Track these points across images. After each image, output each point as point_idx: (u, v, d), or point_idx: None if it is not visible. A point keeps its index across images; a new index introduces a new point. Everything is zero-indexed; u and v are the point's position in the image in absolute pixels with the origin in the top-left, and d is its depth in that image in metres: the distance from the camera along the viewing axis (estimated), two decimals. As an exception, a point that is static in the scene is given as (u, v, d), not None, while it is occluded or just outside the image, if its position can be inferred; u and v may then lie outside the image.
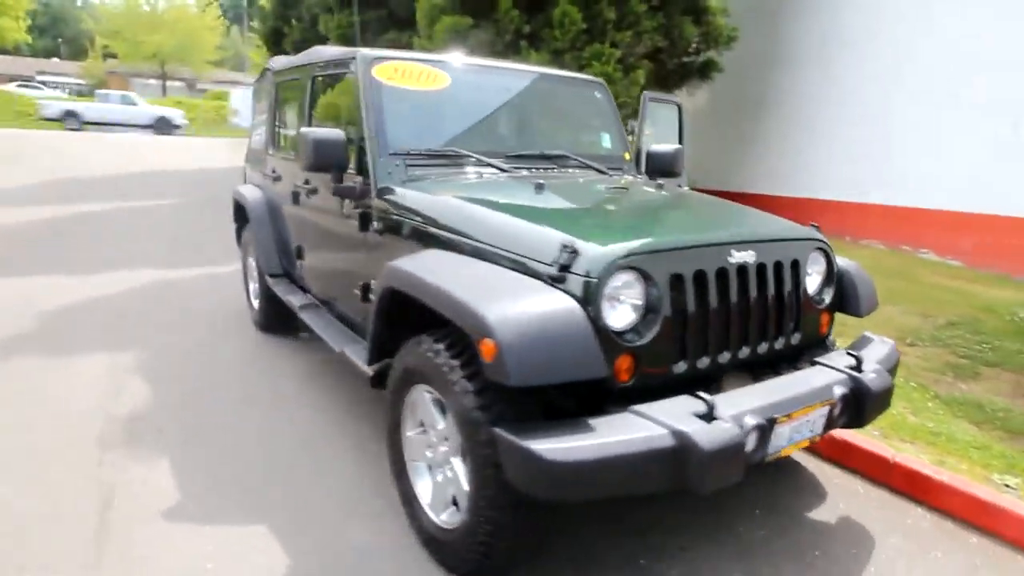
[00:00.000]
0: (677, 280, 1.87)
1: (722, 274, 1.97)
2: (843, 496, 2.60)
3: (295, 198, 3.43)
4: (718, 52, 8.04)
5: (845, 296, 2.41)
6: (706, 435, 1.62)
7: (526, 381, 1.59)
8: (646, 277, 1.82)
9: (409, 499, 2.23)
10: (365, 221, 2.63)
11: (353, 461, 2.73)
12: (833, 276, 2.36)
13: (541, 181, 2.44)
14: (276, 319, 4.22)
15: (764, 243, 2.11)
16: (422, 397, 2.09)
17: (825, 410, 1.98)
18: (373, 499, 2.44)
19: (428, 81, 2.83)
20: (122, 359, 3.77)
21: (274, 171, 3.87)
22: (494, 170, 2.73)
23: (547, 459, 1.53)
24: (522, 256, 1.89)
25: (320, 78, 3.21)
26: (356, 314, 2.86)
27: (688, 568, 2.12)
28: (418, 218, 2.32)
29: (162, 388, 3.39)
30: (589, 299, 1.73)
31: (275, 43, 13.48)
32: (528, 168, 2.82)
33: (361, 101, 2.70)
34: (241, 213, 4.50)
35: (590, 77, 3.47)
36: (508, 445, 1.60)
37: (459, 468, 1.95)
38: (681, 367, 1.91)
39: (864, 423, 2.12)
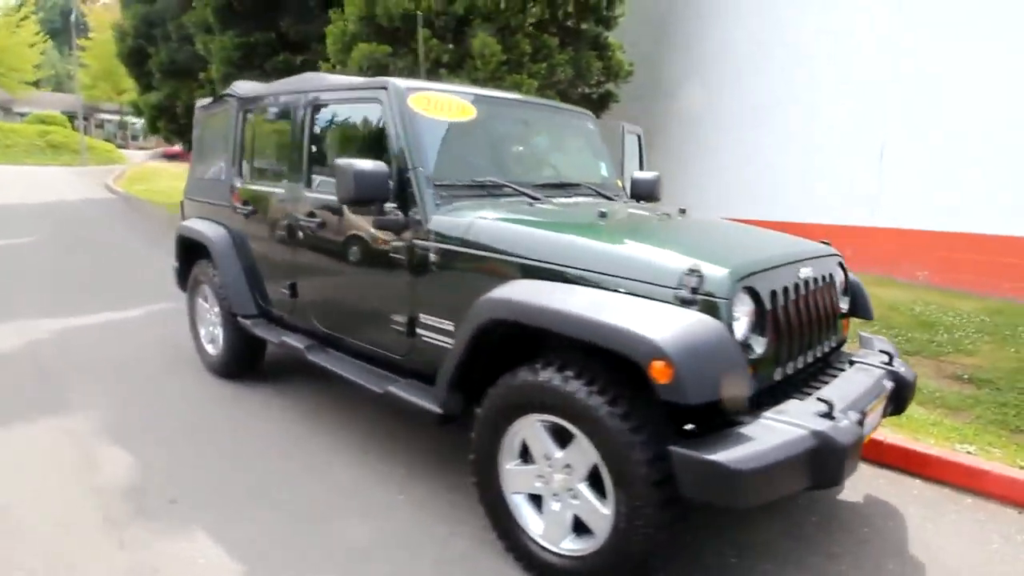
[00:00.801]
0: (772, 295, 2.07)
1: (797, 288, 2.20)
2: (857, 478, 2.95)
3: (290, 232, 3.22)
4: (616, 85, 8.67)
5: (855, 303, 2.76)
6: (840, 432, 1.81)
7: (701, 398, 1.69)
8: (753, 294, 2.00)
9: (509, 532, 2.20)
10: (414, 254, 2.57)
11: (405, 511, 2.62)
12: (848, 286, 2.70)
13: (603, 209, 2.55)
14: (240, 363, 3.90)
15: (815, 259, 2.39)
16: (533, 428, 2.09)
17: (884, 402, 2.27)
18: (451, 542, 2.37)
19: (457, 112, 2.84)
20: (73, 423, 3.28)
21: (245, 204, 3.59)
22: (527, 199, 2.79)
23: (732, 468, 1.63)
24: (640, 281, 1.98)
25: (323, 107, 3.08)
26: (394, 350, 2.76)
27: (766, 550, 2.31)
28: (494, 249, 2.32)
29: (138, 450, 3.00)
30: (718, 318, 1.86)
31: (137, 64, 12.34)
32: (550, 196, 2.91)
33: (397, 132, 2.64)
34: (191, 251, 4.11)
35: (580, 109, 3.65)
36: (688, 459, 1.67)
37: (587, 493, 1.98)
38: (778, 374, 2.10)
39: (904, 410, 2.45)
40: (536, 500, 2.18)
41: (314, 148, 3.13)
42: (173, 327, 5.10)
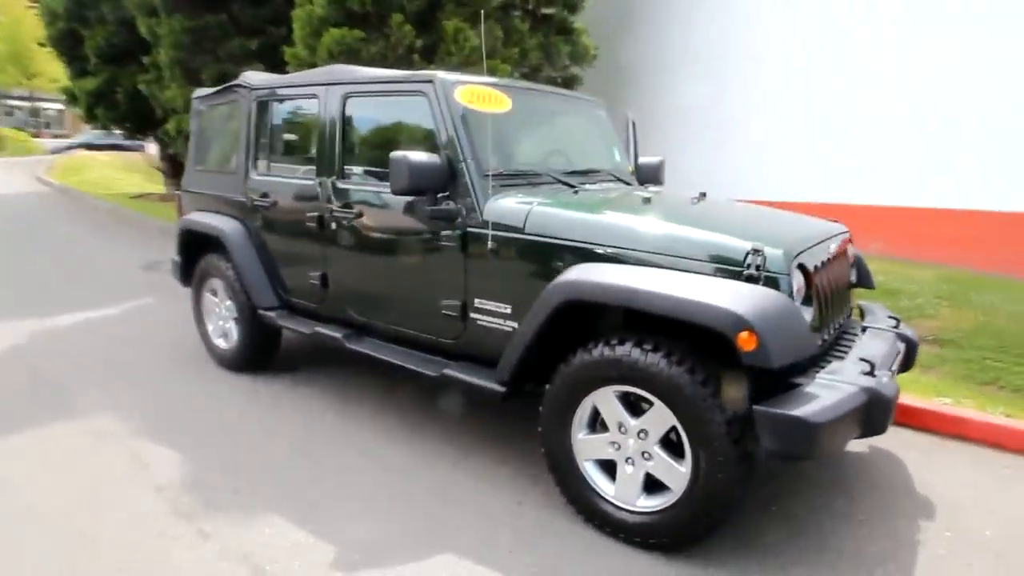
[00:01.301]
0: (815, 270, 2.32)
1: (827, 263, 2.47)
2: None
3: (321, 224, 3.26)
4: (581, 68, 8.86)
5: (860, 274, 3.07)
6: (885, 387, 2.08)
7: (782, 362, 1.91)
8: (803, 270, 2.24)
9: (581, 497, 2.39)
10: (468, 242, 2.68)
11: (468, 486, 2.77)
12: (855, 260, 3.01)
13: (645, 195, 2.74)
14: (256, 356, 3.91)
15: (835, 236, 2.66)
16: (607, 399, 2.27)
17: (899, 361, 2.58)
18: (522, 511, 2.54)
19: (496, 103, 2.94)
20: (103, 425, 3.24)
21: (264, 196, 3.58)
22: (564, 186, 2.95)
23: (811, 422, 1.87)
24: (706, 261, 2.19)
25: (358, 99, 3.11)
26: (444, 334, 2.87)
27: (793, 498, 2.59)
28: (557, 236, 2.47)
29: (181, 447, 3.01)
30: (779, 292, 2.09)
31: (70, 48, 11.59)
32: (581, 183, 3.08)
33: (446, 125, 2.74)
34: (196, 245, 4.07)
35: (592, 97, 3.81)
36: (773, 416, 1.90)
37: (663, 454, 2.19)
38: (820, 340, 2.36)
39: (911, 368, 2.78)
40: (605, 465, 2.38)
41: (349, 140, 3.17)
42: (157, 323, 5.04)
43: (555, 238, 2.47)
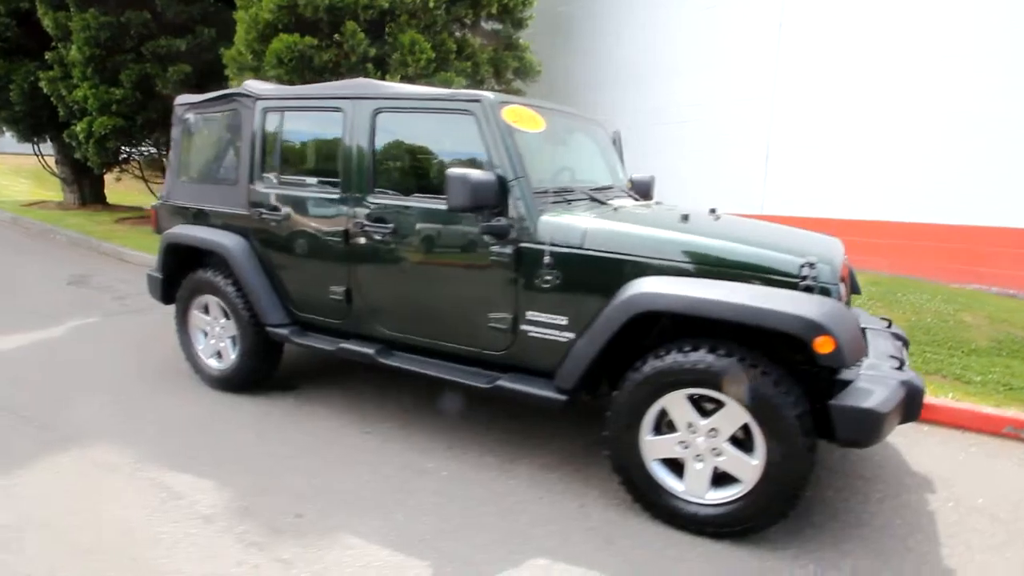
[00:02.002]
0: (844, 280, 2.62)
1: (848, 273, 2.79)
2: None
3: (347, 238, 3.21)
4: (525, 83, 9.09)
5: (852, 282, 3.45)
6: (917, 379, 2.41)
7: (852, 362, 2.17)
8: (843, 280, 2.54)
9: (650, 495, 2.54)
10: (521, 257, 2.77)
11: (526, 494, 2.85)
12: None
13: (684, 212, 2.95)
14: (256, 375, 3.76)
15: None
16: (678, 402, 2.45)
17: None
18: (588, 512, 2.66)
19: (534, 123, 3.06)
20: (108, 455, 3.01)
21: (274, 210, 3.47)
22: (596, 202, 3.12)
23: (878, 412, 2.14)
24: (762, 273, 2.42)
25: (392, 114, 3.11)
26: (491, 347, 2.93)
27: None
28: (618, 251, 2.61)
29: (205, 473, 2.87)
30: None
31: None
32: (606, 199, 3.24)
33: (496, 144, 2.81)
34: (182, 260, 3.86)
35: (594, 117, 4.00)
36: (847, 409, 2.15)
37: (733, 450, 2.39)
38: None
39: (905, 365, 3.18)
40: (669, 463, 2.55)
41: (379, 155, 3.16)
42: (113, 342, 4.73)
43: (615, 253, 2.62)
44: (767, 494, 2.34)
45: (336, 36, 7.04)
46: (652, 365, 2.45)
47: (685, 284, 2.42)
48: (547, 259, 2.72)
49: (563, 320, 2.74)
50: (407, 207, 3.06)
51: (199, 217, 3.85)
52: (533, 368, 2.87)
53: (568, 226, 2.73)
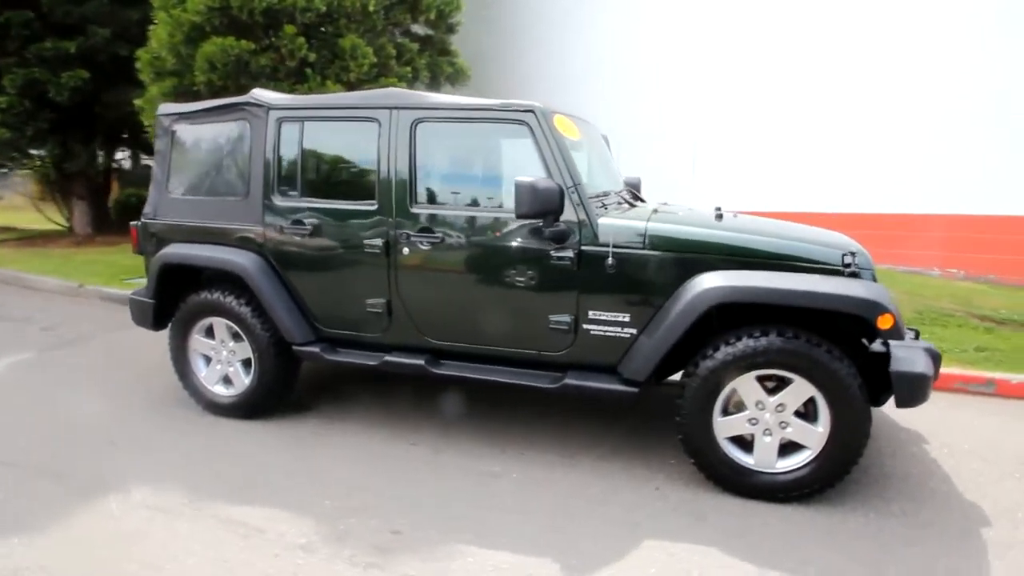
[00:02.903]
0: (864, 269, 3.01)
1: None
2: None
3: (388, 249, 3.18)
4: (455, 88, 9.14)
5: None
6: (933, 347, 2.84)
7: (905, 336, 2.53)
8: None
9: (723, 470, 2.78)
10: (584, 258, 2.91)
11: (598, 487, 2.99)
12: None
13: (719, 212, 3.21)
14: (274, 399, 3.60)
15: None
16: (748, 383, 2.70)
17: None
18: (665, 495, 2.86)
19: (573, 132, 3.20)
20: (153, 497, 2.78)
21: (298, 224, 3.34)
22: (627, 204, 3.34)
23: (929, 376, 2.52)
24: (814, 264, 2.74)
25: (433, 124, 3.11)
26: (551, 348, 3.04)
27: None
28: (682, 248, 2.83)
29: (271, 501, 2.76)
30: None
31: None
32: (618, 201, 3.45)
33: (552, 152, 2.93)
34: (182, 281, 3.62)
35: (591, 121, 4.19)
36: (907, 375, 2.50)
37: (800, 422, 2.69)
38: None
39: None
40: (737, 440, 2.81)
41: (422, 165, 3.15)
42: (71, 376, 4.37)
43: (676, 251, 2.84)
44: (832, 457, 2.65)
45: (273, 39, 6.72)
46: (725, 352, 2.69)
47: (760, 277, 2.68)
48: (610, 260, 2.88)
49: (625, 317, 2.92)
50: (458, 217, 3.09)
51: (196, 235, 3.60)
52: (593, 365, 3.02)
53: (629, 228, 2.90)
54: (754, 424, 2.76)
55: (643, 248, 2.87)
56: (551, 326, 3.02)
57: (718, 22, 8.44)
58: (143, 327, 3.84)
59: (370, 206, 3.22)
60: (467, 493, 2.86)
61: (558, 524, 2.61)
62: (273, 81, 6.80)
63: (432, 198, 3.15)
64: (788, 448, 2.75)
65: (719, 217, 3.17)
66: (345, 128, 3.32)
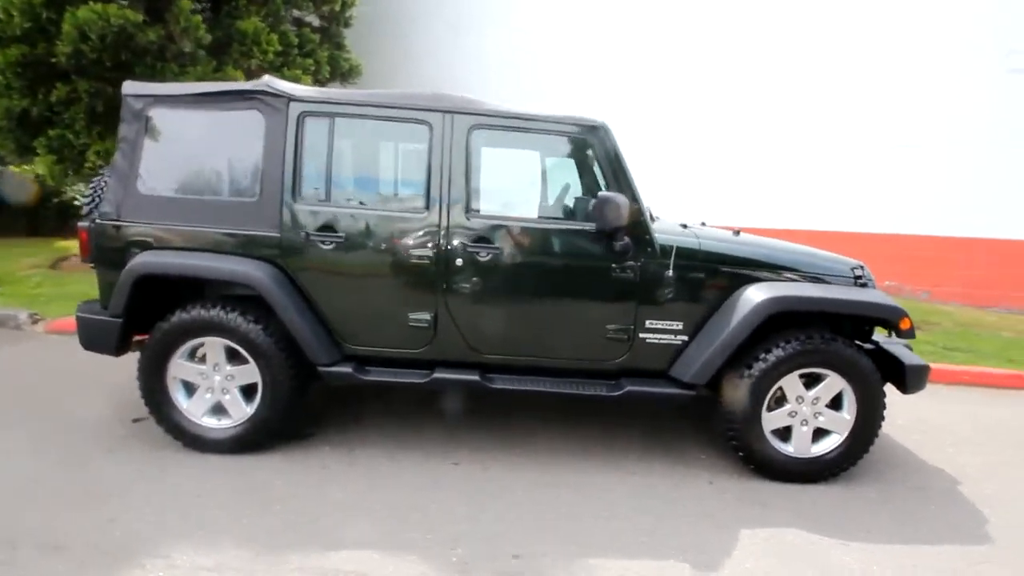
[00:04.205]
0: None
1: None
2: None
3: (437, 261, 3.01)
4: (346, 83, 8.65)
5: None
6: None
7: (914, 336, 3.06)
8: (865, 277, 3.45)
9: (770, 461, 3.10)
10: (646, 270, 3.05)
11: (662, 488, 3.15)
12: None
13: (737, 231, 3.52)
14: (281, 428, 3.21)
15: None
16: (792, 380, 3.05)
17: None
18: (720, 490, 3.10)
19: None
20: (206, 559, 2.34)
21: (329, 230, 3.01)
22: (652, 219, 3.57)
23: (929, 367, 3.07)
24: (832, 275, 3.18)
25: (488, 131, 3.01)
26: (606, 357, 3.13)
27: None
28: (725, 262, 3.10)
29: (363, 543, 2.50)
30: (870, 292, 3.26)
31: None
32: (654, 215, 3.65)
33: (614, 166, 3.02)
34: (159, 296, 3.07)
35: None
36: (917, 368, 3.02)
37: (829, 412, 3.10)
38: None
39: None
40: (776, 432, 3.15)
41: (478, 172, 3.03)
42: None
43: (727, 265, 3.11)
44: (857, 439, 3.11)
45: (165, 15, 5.82)
46: (776, 354, 3.01)
47: (804, 287, 3.05)
48: (670, 273, 3.06)
49: (679, 325, 3.12)
50: (516, 228, 3.04)
51: (185, 240, 3.05)
52: (644, 371, 3.18)
53: (685, 243, 3.11)
54: (793, 416, 3.12)
55: (698, 261, 3.10)
56: (609, 336, 3.11)
57: (611, 35, 9.01)
58: (97, 351, 3.15)
59: (418, 214, 3.03)
60: (543, 506, 2.83)
61: (647, 526, 2.70)
62: (161, 62, 5.89)
63: (489, 208, 3.06)
64: (816, 435, 3.17)
65: (736, 234, 3.51)
66: (386, 129, 3.09)
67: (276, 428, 3.15)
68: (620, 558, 2.46)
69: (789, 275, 3.15)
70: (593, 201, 2.94)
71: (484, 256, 3.03)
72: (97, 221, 3.10)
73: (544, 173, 3.26)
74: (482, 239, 3.03)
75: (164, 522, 2.54)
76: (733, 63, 8.68)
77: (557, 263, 3.07)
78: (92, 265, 3.17)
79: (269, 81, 3.05)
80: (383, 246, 3.04)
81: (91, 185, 3.38)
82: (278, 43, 6.45)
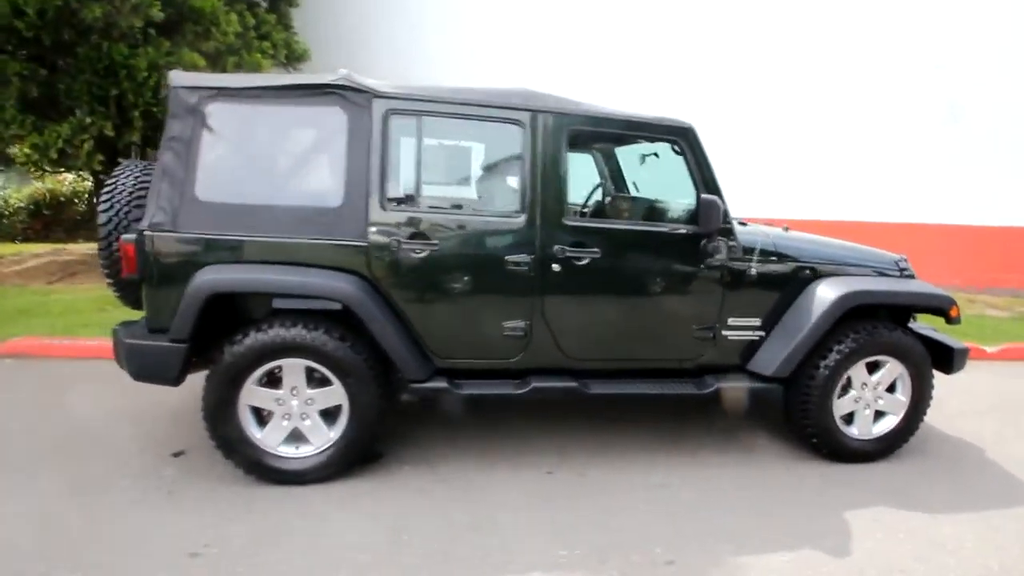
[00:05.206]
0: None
1: None
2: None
3: (534, 267, 2.91)
4: (293, 68, 8.04)
5: None
6: (930, 326, 3.81)
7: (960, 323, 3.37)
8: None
9: (838, 446, 3.30)
10: (732, 269, 3.13)
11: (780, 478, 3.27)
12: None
13: (786, 228, 3.67)
14: (362, 452, 2.99)
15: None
16: (860, 368, 3.27)
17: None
18: (801, 475, 3.27)
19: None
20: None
21: (421, 237, 2.81)
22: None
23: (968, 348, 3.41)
24: (883, 269, 3.43)
25: (581, 132, 2.93)
26: (689, 355, 3.19)
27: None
28: (798, 259, 3.25)
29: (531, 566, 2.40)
30: (911, 283, 3.55)
31: None
32: None
33: (705, 168, 3.06)
34: (221, 317, 2.77)
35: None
36: (961, 350, 3.33)
37: (888, 396, 3.35)
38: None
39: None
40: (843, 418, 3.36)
41: (572, 175, 2.94)
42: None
43: (801, 262, 3.27)
44: (911, 419, 3.39)
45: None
46: (849, 345, 3.21)
47: (875, 282, 3.27)
48: (753, 271, 3.17)
49: (757, 321, 3.25)
50: (614, 230, 3.01)
51: (256, 253, 2.73)
52: (723, 367, 3.28)
53: (763, 240, 3.22)
54: (857, 402, 3.35)
55: (775, 259, 3.23)
56: (695, 335, 3.17)
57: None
58: (152, 381, 2.76)
59: (515, 218, 2.90)
60: (662, 506, 2.85)
61: (770, 518, 2.80)
62: (107, 41, 5.17)
63: (585, 211, 3.00)
64: (875, 417, 3.42)
65: (785, 230, 3.69)
66: (475, 128, 2.91)
67: (356, 453, 2.92)
68: (764, 552, 2.53)
69: (851, 270, 3.37)
70: (695, 203, 2.98)
71: (582, 261, 2.96)
72: (146, 233, 2.69)
73: (639, 175, 3.23)
74: (579, 244, 2.96)
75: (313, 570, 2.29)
76: (748, 48, 8.79)
77: (653, 265, 3.07)
78: (140, 281, 2.74)
79: (348, 75, 2.78)
80: (478, 252, 2.89)
81: (105, 192, 2.94)
82: (237, 24, 5.87)
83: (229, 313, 2.85)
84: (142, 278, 2.72)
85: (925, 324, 3.76)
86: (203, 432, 2.81)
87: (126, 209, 2.93)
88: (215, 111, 2.72)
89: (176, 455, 3.12)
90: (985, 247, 8.96)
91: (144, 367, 2.74)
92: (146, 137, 5.54)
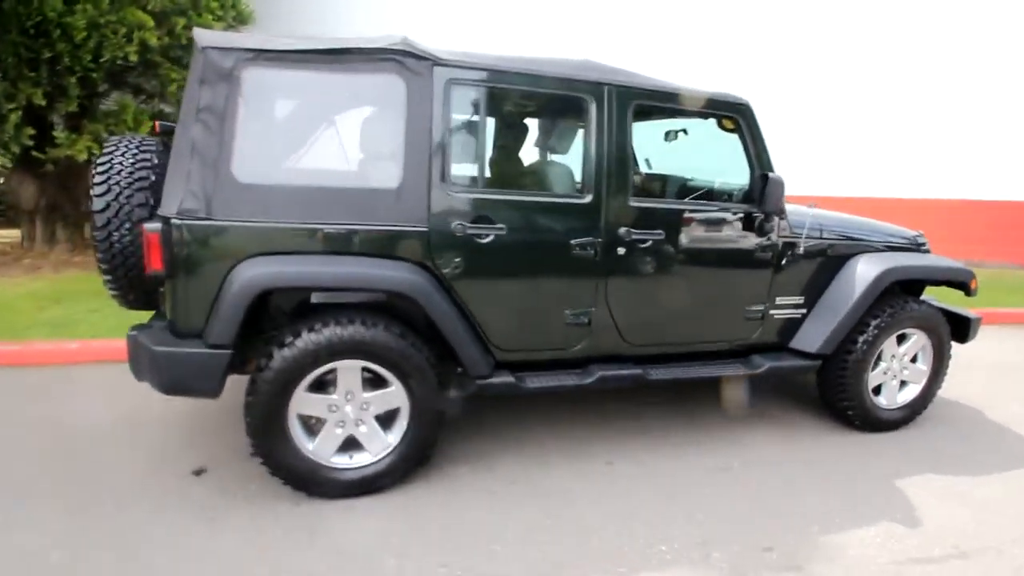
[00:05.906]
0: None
1: None
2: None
3: (599, 251, 2.76)
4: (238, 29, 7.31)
5: None
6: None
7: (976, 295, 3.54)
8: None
9: (871, 414, 3.40)
10: (782, 248, 3.12)
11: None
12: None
13: (812, 205, 3.69)
14: (422, 455, 2.76)
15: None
16: (892, 344, 3.37)
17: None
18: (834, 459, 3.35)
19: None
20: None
21: (486, 222, 2.57)
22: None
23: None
24: (903, 244, 3.54)
25: (644, 109, 2.77)
26: (740, 337, 3.17)
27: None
28: (841, 237, 3.29)
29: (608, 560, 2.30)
30: (928, 257, 3.70)
31: None
32: None
33: (758, 145, 3.00)
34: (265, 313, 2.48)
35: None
36: (975, 320, 3.50)
37: (912, 367, 3.48)
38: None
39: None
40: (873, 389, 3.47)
41: (635, 153, 2.79)
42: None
43: (843, 240, 3.31)
44: (931, 388, 3.55)
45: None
46: (884, 319, 3.29)
47: (911, 258, 3.36)
48: (801, 250, 3.17)
49: (801, 300, 3.27)
50: (676, 211, 2.90)
51: (303, 241, 2.40)
52: (768, 346, 3.29)
53: (810, 221, 3.22)
54: (886, 373, 3.46)
55: (820, 238, 3.25)
56: (747, 316, 3.15)
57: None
58: (189, 393, 2.38)
59: (580, 199, 2.72)
60: (727, 489, 2.83)
61: (844, 497, 2.81)
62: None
63: (649, 191, 2.87)
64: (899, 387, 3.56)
65: (811, 206, 3.72)
66: (538, 101, 2.70)
67: (416, 457, 2.69)
68: (849, 529, 2.56)
69: (881, 247, 3.45)
70: (754, 181, 2.92)
71: (645, 244, 2.84)
72: (174, 221, 2.29)
73: (699, 152, 3.12)
74: (643, 225, 2.83)
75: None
76: (763, 28, 8.60)
77: (712, 247, 3.00)
78: (166, 277, 2.34)
79: (407, 39, 2.47)
80: (545, 237, 2.70)
81: (100, 173, 2.49)
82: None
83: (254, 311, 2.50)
84: (170, 274, 2.32)
85: (931, 296, 3.95)
86: (213, 443, 2.51)
87: (128, 192, 2.50)
88: (254, 77, 2.33)
89: (197, 473, 2.75)
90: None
91: (179, 378, 2.35)
92: (83, 108, 4.79)
